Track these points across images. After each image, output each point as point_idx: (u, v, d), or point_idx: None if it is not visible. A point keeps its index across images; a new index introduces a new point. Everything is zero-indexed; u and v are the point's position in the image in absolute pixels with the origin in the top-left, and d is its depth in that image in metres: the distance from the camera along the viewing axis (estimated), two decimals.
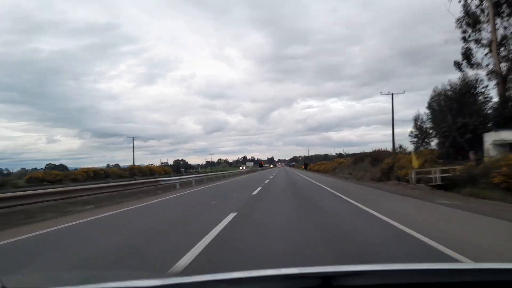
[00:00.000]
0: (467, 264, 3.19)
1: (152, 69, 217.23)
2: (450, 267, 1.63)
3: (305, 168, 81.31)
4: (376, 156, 28.61)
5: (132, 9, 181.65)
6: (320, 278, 1.29)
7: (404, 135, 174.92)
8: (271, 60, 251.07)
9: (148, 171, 48.59)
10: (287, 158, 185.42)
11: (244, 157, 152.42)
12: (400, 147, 32.28)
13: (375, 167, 24.09)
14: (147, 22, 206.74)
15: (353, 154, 62.84)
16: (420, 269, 1.45)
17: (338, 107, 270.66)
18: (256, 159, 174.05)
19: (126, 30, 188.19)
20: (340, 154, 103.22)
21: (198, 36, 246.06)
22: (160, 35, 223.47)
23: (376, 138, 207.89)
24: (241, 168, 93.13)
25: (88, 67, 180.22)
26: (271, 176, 34.67)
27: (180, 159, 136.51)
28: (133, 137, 60.71)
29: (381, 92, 33.58)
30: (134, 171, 46.23)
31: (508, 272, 1.40)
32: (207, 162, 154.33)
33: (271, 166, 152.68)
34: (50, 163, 62.25)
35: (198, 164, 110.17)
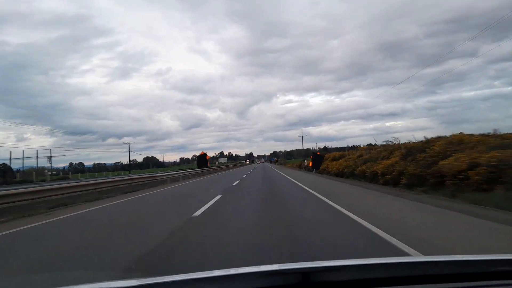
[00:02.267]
0: (451, 257, 3.24)
1: (127, 63, 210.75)
2: (425, 260, 1.64)
3: (316, 166, 30.88)
4: None
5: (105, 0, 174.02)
6: (299, 274, 1.30)
7: (382, 129, 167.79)
8: (250, 53, 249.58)
9: None
10: (267, 154, 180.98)
11: (221, 153, 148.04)
12: None
13: None
14: (120, 13, 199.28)
15: (341, 148, 36.52)
16: (397, 262, 1.47)
17: (317, 101, 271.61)
18: (234, 154, 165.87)
19: (98, 22, 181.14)
20: (325, 147, 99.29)
21: (174, 28, 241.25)
22: (134, 27, 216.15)
23: (354, 133, 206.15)
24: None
25: (58, 61, 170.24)
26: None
27: (151, 156, 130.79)
28: None
29: None
30: None
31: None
32: (181, 159, 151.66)
33: (247, 162, 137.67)
34: None
35: (174, 162, 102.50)
